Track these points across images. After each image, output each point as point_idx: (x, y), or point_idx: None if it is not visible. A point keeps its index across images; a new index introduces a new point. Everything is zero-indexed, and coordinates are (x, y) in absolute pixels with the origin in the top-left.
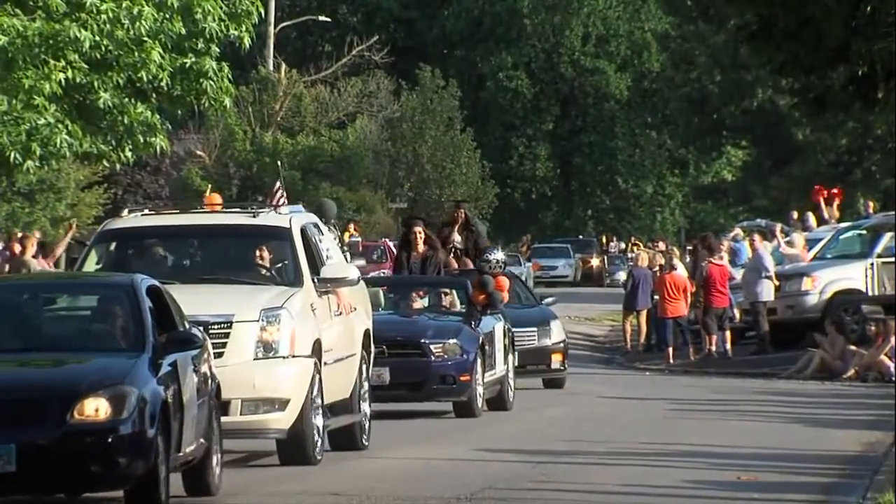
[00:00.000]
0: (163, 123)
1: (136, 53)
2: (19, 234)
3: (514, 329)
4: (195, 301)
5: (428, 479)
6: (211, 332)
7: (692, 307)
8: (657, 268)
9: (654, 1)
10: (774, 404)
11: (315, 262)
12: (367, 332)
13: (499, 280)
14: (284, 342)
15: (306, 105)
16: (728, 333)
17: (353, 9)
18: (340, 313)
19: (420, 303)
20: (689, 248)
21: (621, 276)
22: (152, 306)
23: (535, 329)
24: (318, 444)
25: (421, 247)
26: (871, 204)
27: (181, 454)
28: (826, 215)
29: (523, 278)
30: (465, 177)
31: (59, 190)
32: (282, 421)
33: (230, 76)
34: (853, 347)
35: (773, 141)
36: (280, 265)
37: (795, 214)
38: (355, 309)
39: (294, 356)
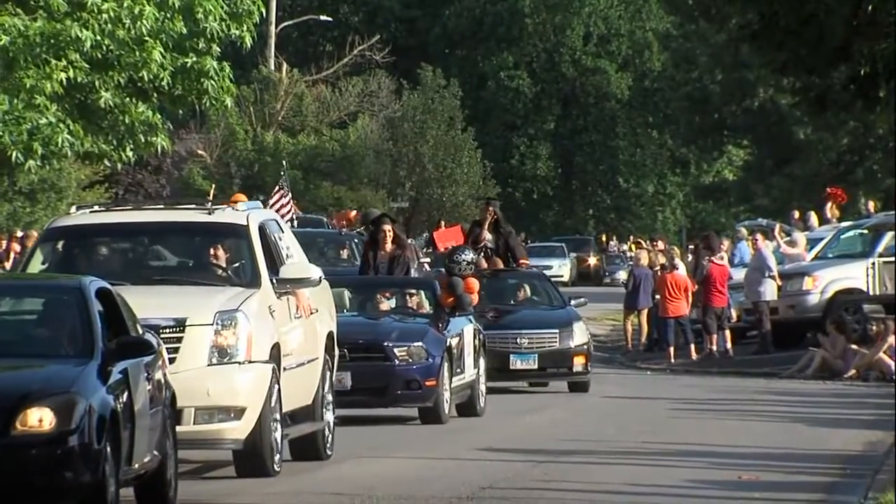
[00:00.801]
0: (164, 123)
1: (138, 53)
2: (19, 234)
3: (534, 330)
4: (146, 303)
5: (429, 478)
6: (163, 336)
7: (693, 307)
8: (658, 267)
9: (655, 0)
10: (776, 404)
11: (274, 262)
12: (330, 335)
13: (468, 281)
14: (241, 347)
15: (307, 104)
16: (728, 333)
17: (355, 8)
18: (301, 316)
19: (386, 304)
20: (691, 247)
21: (621, 275)
22: (102, 310)
23: (556, 331)
24: (277, 454)
25: (389, 246)
26: (872, 203)
27: (133, 467)
28: (829, 215)
29: None
30: (466, 176)
31: (60, 189)
32: (238, 430)
33: (231, 76)
34: (854, 347)
35: (775, 140)
36: (236, 265)
37: (797, 214)
38: (317, 311)
39: (251, 361)
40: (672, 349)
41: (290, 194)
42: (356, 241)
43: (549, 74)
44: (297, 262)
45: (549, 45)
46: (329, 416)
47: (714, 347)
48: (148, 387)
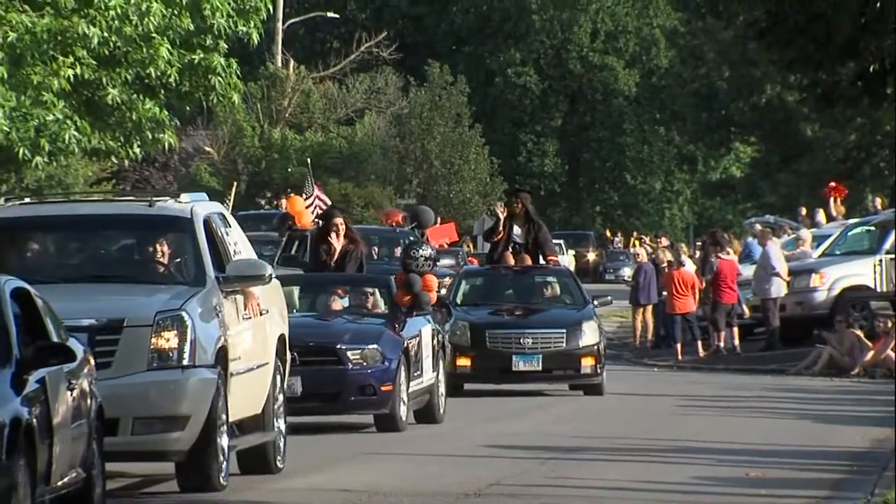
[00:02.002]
0: (171, 120)
1: (145, 50)
2: None
3: (539, 330)
4: (78, 303)
5: (435, 475)
6: (97, 339)
7: (701, 303)
8: (665, 264)
9: None
10: (783, 401)
11: (221, 258)
12: (282, 338)
13: (426, 279)
14: (183, 350)
15: (315, 101)
16: (736, 329)
17: (362, 5)
18: (250, 316)
19: (340, 303)
20: (699, 243)
21: (626, 271)
22: (19, 312)
23: (563, 331)
24: (224, 466)
25: (341, 240)
26: (879, 200)
27: (52, 486)
28: (834, 212)
29: None
30: (473, 173)
31: (67, 186)
32: (181, 441)
33: (238, 72)
34: (862, 337)
35: (782, 137)
36: (179, 261)
37: (804, 210)
38: (268, 311)
39: (195, 366)
40: (679, 346)
41: (314, 193)
42: (411, 238)
43: (556, 71)
44: (245, 259)
45: (557, 41)
46: (280, 426)
47: (722, 344)
48: (70, 397)
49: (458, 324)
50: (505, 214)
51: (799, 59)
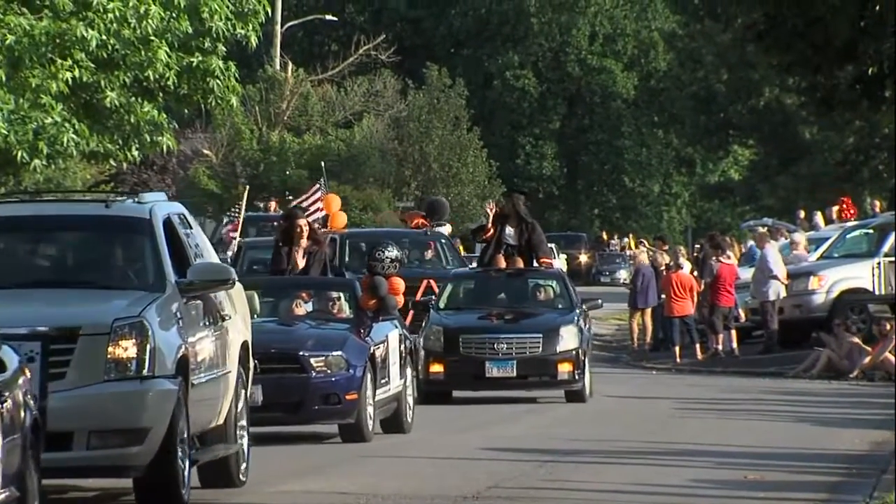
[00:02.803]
0: (169, 122)
1: (143, 52)
2: None
3: (514, 335)
4: (30, 309)
5: (434, 477)
6: (51, 347)
7: (699, 306)
8: (663, 267)
9: (660, 0)
10: (781, 403)
11: (181, 261)
12: (245, 345)
13: (392, 281)
14: (142, 359)
15: (313, 104)
16: (734, 332)
17: (360, 8)
18: (212, 323)
19: (303, 308)
20: (697, 246)
21: (622, 274)
22: None
23: (539, 335)
24: (185, 481)
25: (304, 242)
26: (877, 203)
27: None
28: (834, 217)
29: None
30: (471, 176)
31: (66, 189)
32: (139, 456)
33: (237, 75)
34: (861, 344)
35: (780, 140)
36: (138, 265)
37: (802, 213)
38: (230, 317)
39: (154, 376)
40: (678, 349)
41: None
42: (443, 240)
43: (554, 74)
44: (207, 262)
45: (555, 44)
46: (244, 437)
47: (720, 347)
48: (2, 410)
49: (433, 328)
50: (493, 213)
51: (797, 63)
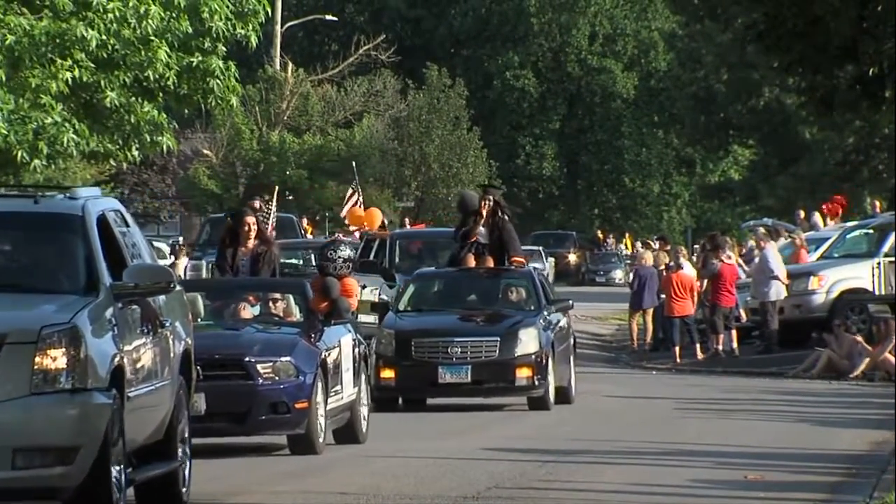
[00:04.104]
0: (169, 122)
1: (143, 52)
2: None
3: (468, 338)
4: None
5: (434, 477)
6: None
7: (699, 306)
8: (663, 266)
9: (660, 0)
10: (781, 403)
11: (117, 262)
12: (186, 353)
13: (345, 283)
14: (73, 370)
15: (313, 104)
16: (734, 332)
17: (360, 8)
18: (151, 329)
19: (250, 311)
20: (696, 246)
21: (618, 274)
22: None
23: (495, 339)
24: (119, 501)
25: (252, 242)
26: (877, 203)
27: None
28: (829, 221)
29: None
30: (471, 176)
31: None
32: (68, 477)
33: (237, 75)
34: (863, 342)
35: (780, 140)
36: (69, 266)
37: (802, 213)
38: (170, 323)
39: (87, 389)
40: (678, 349)
41: (360, 196)
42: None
43: (554, 74)
44: (144, 263)
45: (555, 44)
46: (186, 452)
47: (720, 347)
48: None
49: (384, 332)
50: (486, 214)
51: (797, 63)
